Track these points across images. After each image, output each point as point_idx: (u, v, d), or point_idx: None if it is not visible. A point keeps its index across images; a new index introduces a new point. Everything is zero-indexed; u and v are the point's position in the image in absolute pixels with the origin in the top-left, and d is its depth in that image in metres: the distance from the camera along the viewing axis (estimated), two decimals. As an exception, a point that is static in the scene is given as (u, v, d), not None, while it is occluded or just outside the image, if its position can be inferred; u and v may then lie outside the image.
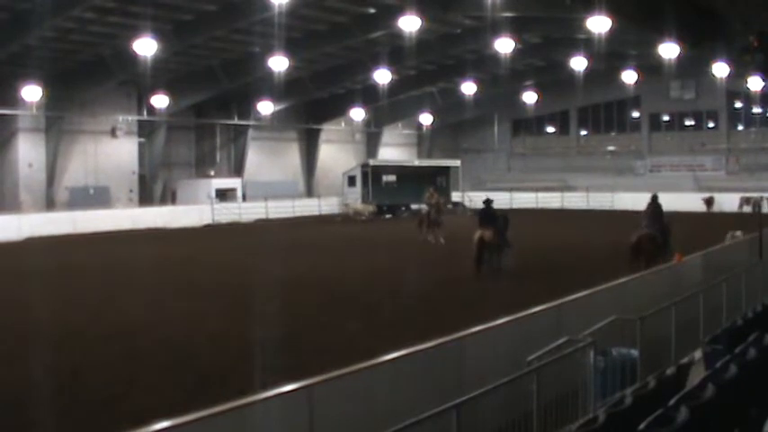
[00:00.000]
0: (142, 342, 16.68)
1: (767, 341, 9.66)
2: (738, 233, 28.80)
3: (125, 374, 14.13)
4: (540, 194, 66.81)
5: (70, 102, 47.58)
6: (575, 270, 26.14)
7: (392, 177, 64.99)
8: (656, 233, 23.91)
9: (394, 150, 74.00)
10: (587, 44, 46.36)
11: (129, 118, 52.36)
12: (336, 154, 68.34)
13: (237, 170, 60.41)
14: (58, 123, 47.80)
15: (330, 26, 44.22)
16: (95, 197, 50.43)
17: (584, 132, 75.21)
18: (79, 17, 37.99)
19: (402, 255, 33.61)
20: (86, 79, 46.10)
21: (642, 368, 11.97)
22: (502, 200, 49.95)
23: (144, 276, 27.61)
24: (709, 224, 40.08)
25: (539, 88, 65.78)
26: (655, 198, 25.13)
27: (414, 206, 58.51)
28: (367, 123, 69.38)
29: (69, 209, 47.91)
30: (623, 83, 60.10)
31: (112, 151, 51.87)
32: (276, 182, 62.28)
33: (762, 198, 53.00)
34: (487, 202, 27.81)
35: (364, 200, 60.33)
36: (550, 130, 77.08)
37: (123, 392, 12.98)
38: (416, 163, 69.78)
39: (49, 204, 48.15)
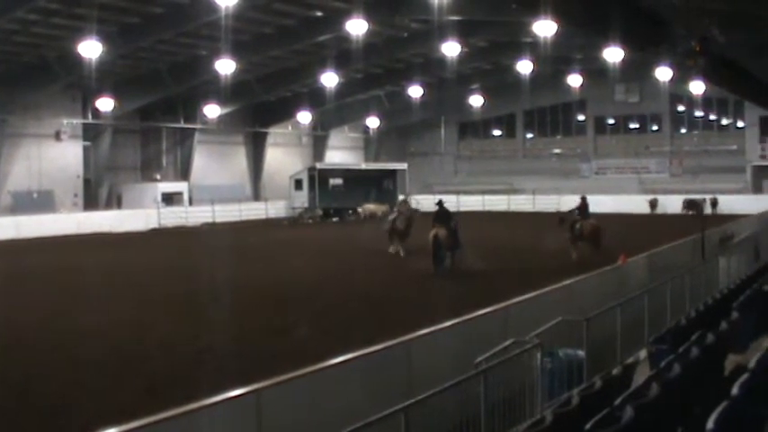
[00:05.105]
0: (91, 348, 16.48)
1: (710, 340, 9.82)
2: None
3: (74, 381, 13.99)
4: (487, 197, 67.03)
5: (13, 104, 46.71)
6: (523, 271, 26.39)
7: (339, 181, 64.99)
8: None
9: (341, 154, 73.86)
10: (533, 48, 46.82)
11: (74, 121, 51.62)
12: (283, 157, 68.01)
13: (184, 174, 59.87)
14: (0, 127, 47.02)
15: (277, 29, 44.00)
16: (39, 201, 49.47)
17: (530, 135, 75.72)
18: (23, 18, 37.35)
19: (351, 258, 33.63)
20: (30, 82, 45.15)
21: (588, 369, 12.10)
22: (449, 203, 50.04)
23: (91, 282, 27.11)
24: (652, 226, 40.59)
25: (485, 92, 66.05)
26: (584, 198, 30.93)
27: (360, 209, 58.58)
28: (314, 126, 69.15)
29: (12, 213, 47.08)
30: (569, 86, 60.60)
31: (57, 155, 51.05)
32: (223, 185, 61.77)
33: (704, 200, 53.99)
34: (440, 203, 29.23)
35: (311, 203, 60.29)
36: (497, 133, 77.51)
37: (73, 399, 12.86)
38: (363, 166, 69.56)
39: (-8, 209, 47.32)
